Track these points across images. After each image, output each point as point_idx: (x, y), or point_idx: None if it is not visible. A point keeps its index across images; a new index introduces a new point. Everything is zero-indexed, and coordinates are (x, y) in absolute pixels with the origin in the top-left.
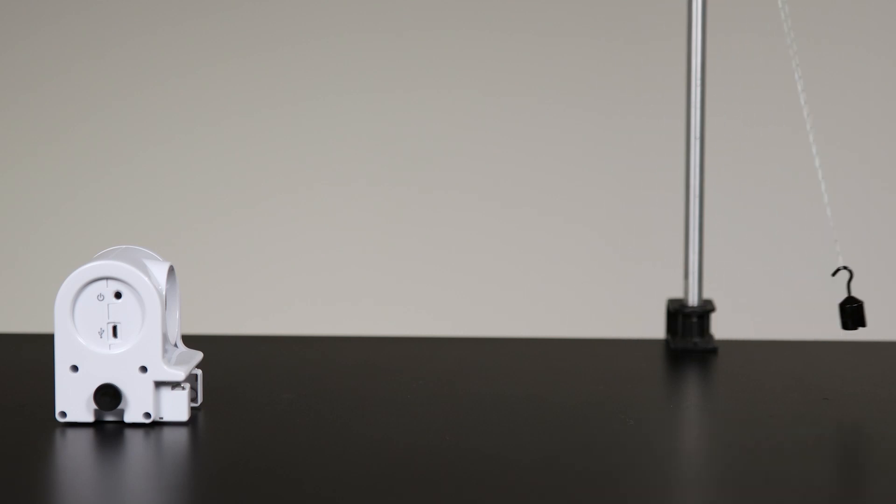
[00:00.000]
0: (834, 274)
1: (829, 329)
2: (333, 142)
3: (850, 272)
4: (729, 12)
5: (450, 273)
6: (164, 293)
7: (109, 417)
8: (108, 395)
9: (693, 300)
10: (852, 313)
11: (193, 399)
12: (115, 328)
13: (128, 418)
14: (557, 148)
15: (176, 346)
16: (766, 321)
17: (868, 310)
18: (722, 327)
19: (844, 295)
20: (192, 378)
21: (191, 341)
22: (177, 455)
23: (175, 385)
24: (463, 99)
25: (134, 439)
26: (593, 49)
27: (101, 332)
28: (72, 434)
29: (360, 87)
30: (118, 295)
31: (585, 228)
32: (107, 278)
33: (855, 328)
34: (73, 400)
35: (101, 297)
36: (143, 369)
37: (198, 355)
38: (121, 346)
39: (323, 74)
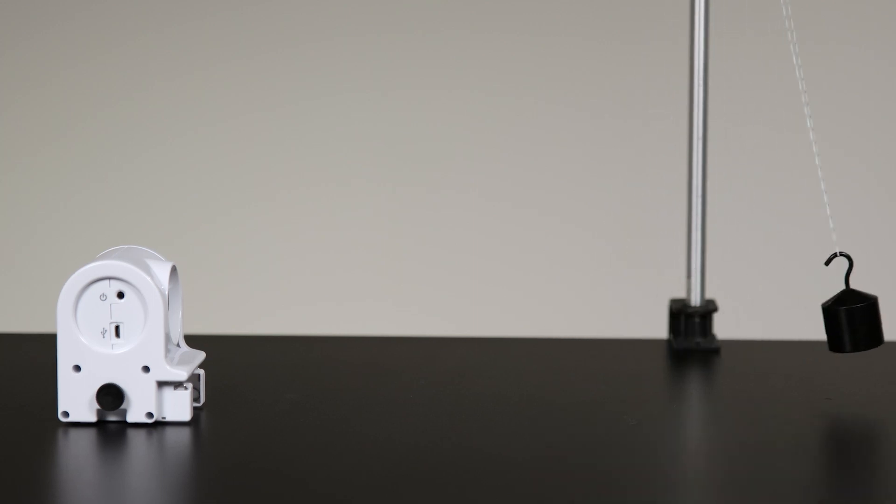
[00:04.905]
0: (828, 262)
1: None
2: (335, 142)
3: (850, 260)
4: (731, 13)
5: (452, 273)
6: (166, 293)
7: (112, 417)
8: (110, 395)
9: (696, 300)
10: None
11: (196, 399)
12: (117, 328)
13: (130, 418)
14: (560, 148)
15: (178, 345)
16: (769, 321)
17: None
18: (724, 327)
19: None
20: (194, 378)
21: (193, 341)
22: (179, 455)
23: (177, 385)
24: (463, 99)
25: (136, 439)
26: (595, 50)
27: (103, 332)
28: (74, 434)
29: (360, 87)
30: (121, 295)
31: (588, 228)
32: (109, 278)
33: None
34: (76, 400)
35: (103, 296)
36: (146, 369)
37: (200, 355)
38: (123, 345)
39: (324, 74)
